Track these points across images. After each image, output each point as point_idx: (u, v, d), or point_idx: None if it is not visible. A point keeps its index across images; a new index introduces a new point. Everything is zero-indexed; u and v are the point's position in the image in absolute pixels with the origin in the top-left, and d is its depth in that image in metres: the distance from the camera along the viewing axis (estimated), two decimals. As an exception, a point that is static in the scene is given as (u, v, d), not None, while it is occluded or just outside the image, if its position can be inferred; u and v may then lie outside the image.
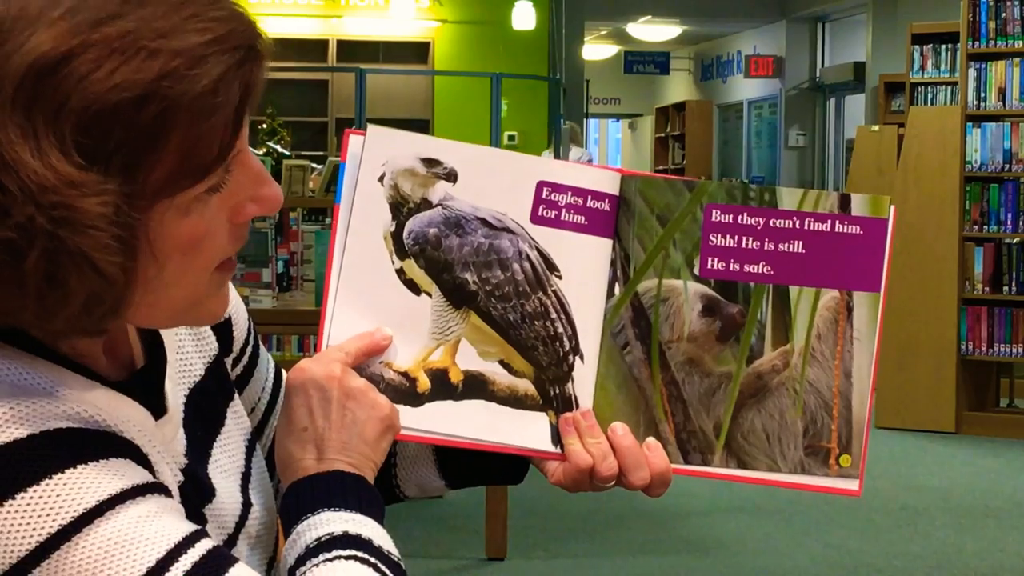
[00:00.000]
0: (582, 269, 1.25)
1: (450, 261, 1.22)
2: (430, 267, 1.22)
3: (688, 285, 1.26)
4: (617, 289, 1.26)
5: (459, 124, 13.52)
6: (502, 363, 1.25)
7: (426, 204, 1.22)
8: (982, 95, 7.45)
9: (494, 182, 1.23)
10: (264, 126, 9.34)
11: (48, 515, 0.95)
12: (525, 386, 1.25)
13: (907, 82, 10.31)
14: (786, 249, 1.26)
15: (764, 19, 18.07)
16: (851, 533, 5.38)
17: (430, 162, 1.22)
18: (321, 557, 1.06)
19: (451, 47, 14.80)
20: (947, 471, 6.59)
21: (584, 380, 1.26)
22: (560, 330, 1.25)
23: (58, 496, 0.95)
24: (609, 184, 1.26)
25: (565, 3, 14.60)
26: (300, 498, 1.12)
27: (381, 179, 1.21)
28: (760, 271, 1.26)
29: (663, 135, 20.72)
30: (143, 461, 1.04)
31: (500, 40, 14.34)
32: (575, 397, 1.26)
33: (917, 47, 10.20)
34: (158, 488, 1.01)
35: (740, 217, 1.26)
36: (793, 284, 1.26)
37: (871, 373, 1.27)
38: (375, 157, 1.21)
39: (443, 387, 1.23)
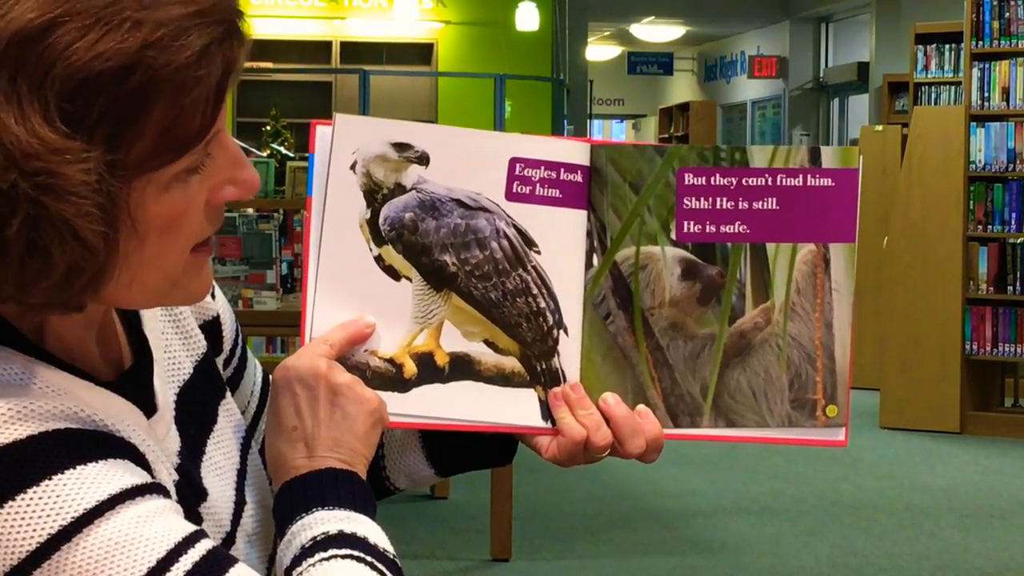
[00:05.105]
0: (559, 242, 1.25)
1: (428, 244, 1.22)
2: (408, 252, 1.22)
3: (666, 250, 1.26)
4: (595, 260, 1.26)
5: (463, 125, 13.38)
6: (487, 342, 1.24)
7: (400, 189, 1.21)
8: (986, 95, 7.44)
9: (466, 162, 1.23)
10: (268, 128, 9.33)
11: (48, 516, 0.95)
12: (511, 364, 1.25)
13: (911, 82, 10.32)
14: (760, 207, 1.26)
15: (768, 19, 18.07)
16: (856, 533, 5.38)
17: (401, 146, 1.21)
18: (317, 556, 1.05)
19: (455, 48, 14.80)
20: (952, 471, 6.59)
21: (570, 353, 1.26)
22: (543, 305, 1.25)
23: (58, 497, 0.95)
24: (580, 155, 1.25)
25: (569, 4, 14.60)
26: (293, 497, 1.11)
27: (353, 167, 1.20)
28: (736, 231, 1.27)
29: (667, 136, 20.72)
30: (141, 461, 1.04)
31: (504, 41, 14.34)
32: (562, 371, 1.25)
33: (921, 47, 10.20)
34: (157, 488, 1.01)
35: (713, 178, 1.26)
36: (770, 241, 1.27)
37: (851, 323, 1.28)
38: (345, 145, 1.20)
39: (430, 371, 1.23)
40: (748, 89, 19.21)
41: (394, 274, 1.22)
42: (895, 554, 5.10)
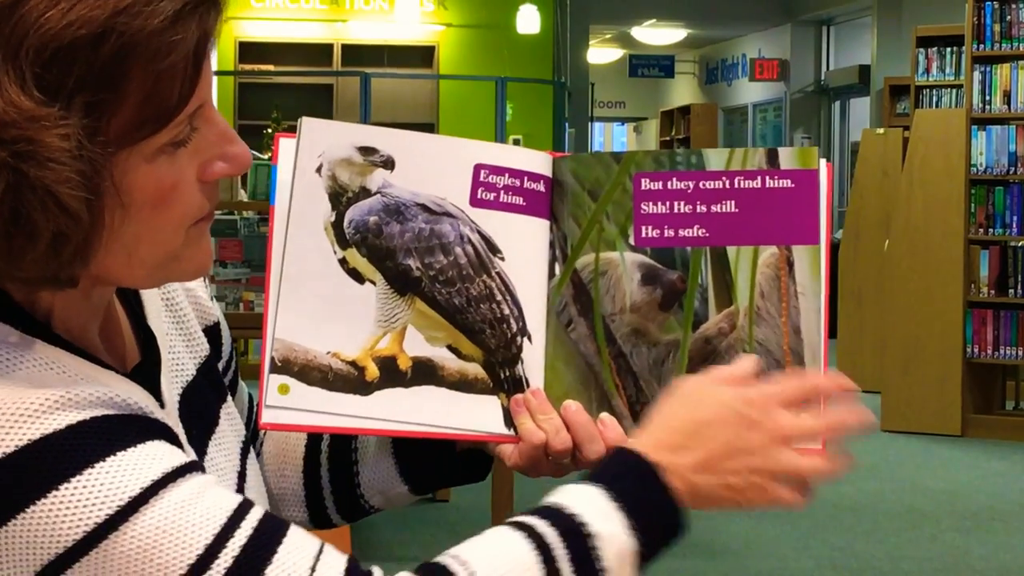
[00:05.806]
0: (524, 250, 1.25)
1: (392, 248, 1.22)
2: (372, 255, 1.22)
3: (625, 256, 1.25)
4: (557, 269, 1.25)
5: (464, 128, 13.51)
6: (450, 348, 1.24)
7: (365, 192, 1.22)
8: (987, 98, 7.45)
9: (431, 167, 1.23)
10: (269, 130, 9.35)
11: (94, 504, 0.96)
12: (475, 370, 1.24)
13: (912, 85, 10.31)
14: (719, 210, 1.24)
15: (769, 22, 18.07)
16: (857, 536, 5.38)
17: (366, 150, 1.21)
18: (517, 519, 1.08)
19: (456, 51, 14.81)
20: (953, 474, 6.59)
21: (533, 361, 1.25)
22: (506, 312, 1.24)
23: (102, 485, 0.96)
24: (542, 165, 1.26)
25: (570, 6, 14.61)
26: (601, 463, 1.13)
27: (319, 170, 1.21)
28: (695, 234, 1.25)
29: (668, 138, 20.71)
30: (175, 441, 1.05)
31: (505, 44, 14.34)
32: (525, 378, 1.25)
33: (922, 50, 10.21)
34: (195, 466, 1.03)
35: (669, 183, 1.25)
36: (730, 244, 1.25)
37: (821, 327, 1.24)
38: (311, 148, 1.20)
39: (392, 375, 1.22)
40: (749, 92, 19.21)
41: (358, 277, 1.22)
42: (896, 557, 5.10)
